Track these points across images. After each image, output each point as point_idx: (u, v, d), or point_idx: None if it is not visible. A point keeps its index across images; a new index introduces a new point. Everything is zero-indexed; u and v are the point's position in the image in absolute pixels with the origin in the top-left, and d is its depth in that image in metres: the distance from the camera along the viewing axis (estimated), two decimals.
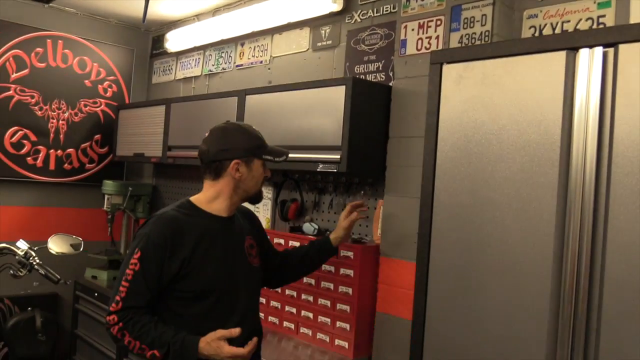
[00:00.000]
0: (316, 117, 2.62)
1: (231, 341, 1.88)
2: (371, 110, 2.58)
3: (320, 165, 2.58)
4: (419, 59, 2.54)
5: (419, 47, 2.54)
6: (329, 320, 2.66)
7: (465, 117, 1.87)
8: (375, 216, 2.74)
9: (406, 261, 2.50)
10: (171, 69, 4.37)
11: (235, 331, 1.89)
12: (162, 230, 1.90)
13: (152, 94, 4.57)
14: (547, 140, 1.68)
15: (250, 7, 3.55)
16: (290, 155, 2.68)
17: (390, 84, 2.65)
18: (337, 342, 2.62)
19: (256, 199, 2.10)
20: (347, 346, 2.58)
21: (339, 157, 2.50)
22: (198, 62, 4.07)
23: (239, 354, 1.86)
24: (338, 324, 2.62)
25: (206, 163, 2.03)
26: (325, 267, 2.68)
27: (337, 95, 2.53)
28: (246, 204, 2.16)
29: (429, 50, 2.49)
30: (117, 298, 1.86)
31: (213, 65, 3.93)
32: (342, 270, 2.62)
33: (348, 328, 2.58)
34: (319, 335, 2.70)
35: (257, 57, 3.59)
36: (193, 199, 2.07)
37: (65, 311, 4.28)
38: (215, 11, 3.92)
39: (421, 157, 2.48)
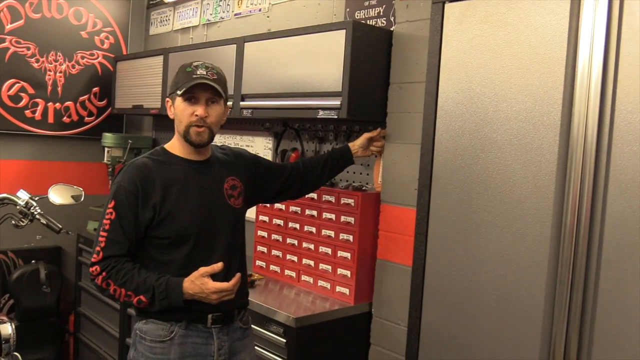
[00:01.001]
0: (316, 63, 2.58)
1: (214, 279, 1.90)
2: (372, 56, 2.53)
3: (321, 112, 2.55)
4: (420, 2, 2.47)
5: None
6: (329, 267, 2.68)
7: (468, 58, 1.83)
8: (376, 164, 2.73)
9: (407, 207, 2.50)
10: (168, 19, 4.28)
11: (218, 266, 1.91)
12: (132, 177, 1.92)
13: (150, 46, 4.50)
14: (550, 79, 1.65)
15: None
16: (290, 102, 2.68)
17: (392, 29, 2.59)
18: (338, 289, 2.64)
19: (191, 142, 1.96)
20: (348, 293, 2.60)
21: (339, 103, 2.46)
22: (196, 12, 3.99)
23: (224, 288, 1.88)
24: (339, 271, 2.64)
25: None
26: (326, 214, 2.69)
27: (337, 40, 2.48)
28: (242, 145, 2.15)
29: None
30: (97, 249, 1.87)
31: (211, 14, 3.85)
32: (342, 218, 2.62)
33: (349, 275, 2.60)
34: (320, 283, 2.72)
35: (255, 4, 3.52)
36: (167, 144, 2.07)
37: (68, 264, 4.32)
38: None
39: (422, 103, 2.47)
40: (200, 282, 1.87)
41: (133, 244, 1.91)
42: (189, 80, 1.92)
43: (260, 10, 3.49)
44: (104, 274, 1.85)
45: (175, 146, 2.04)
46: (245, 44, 2.96)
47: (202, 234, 1.97)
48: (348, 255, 2.60)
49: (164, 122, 4.32)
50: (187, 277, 1.89)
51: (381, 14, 2.79)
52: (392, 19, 2.74)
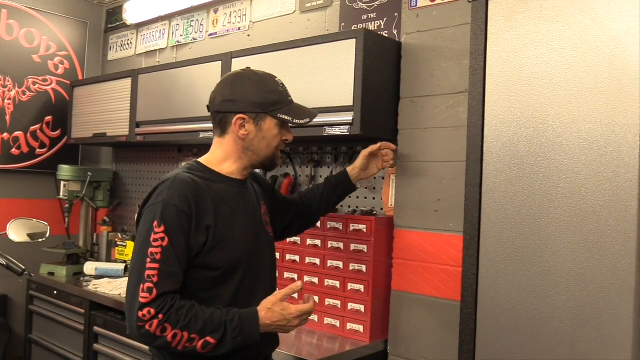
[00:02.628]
0: (322, 76, 2.35)
1: (258, 301, 1.65)
2: (382, 68, 2.34)
3: (328, 129, 2.32)
4: (433, 11, 2.31)
5: None
6: (339, 302, 2.40)
7: (520, 57, 1.65)
8: (385, 186, 2.50)
9: (427, 232, 2.28)
10: (130, 43, 3.97)
11: (297, 285, 1.65)
12: (184, 193, 1.58)
13: (109, 71, 4.15)
14: (625, 75, 1.48)
15: None
16: None
17: (401, 40, 2.41)
18: (349, 326, 2.36)
19: (269, 165, 1.79)
20: (362, 330, 2.33)
21: (350, 118, 2.24)
22: (163, 34, 3.70)
23: (306, 310, 1.62)
24: (350, 305, 2.36)
25: (211, 114, 1.74)
26: (332, 243, 2.42)
27: (347, 50, 2.27)
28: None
29: (445, 1, 2.28)
30: (148, 285, 1.48)
31: (181, 35, 3.58)
32: (353, 246, 2.36)
33: (362, 309, 2.33)
34: (327, 321, 2.43)
35: (233, 23, 3.28)
36: (202, 159, 1.77)
37: (16, 314, 3.82)
38: None
39: (439, 118, 2.28)
40: (280, 307, 1.59)
41: (183, 277, 1.57)
42: (288, 103, 1.73)
43: (239, 29, 3.25)
44: (160, 316, 1.47)
45: (216, 161, 1.73)
46: (234, 60, 2.71)
47: (251, 263, 1.68)
48: (361, 287, 2.33)
49: (126, 154, 3.96)
50: (259, 306, 1.61)
51: (382, 27, 2.61)
52: (394, 32, 2.57)
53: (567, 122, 1.57)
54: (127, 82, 3.32)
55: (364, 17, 2.69)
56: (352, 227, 2.37)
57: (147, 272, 1.50)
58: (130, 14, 3.86)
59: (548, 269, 1.58)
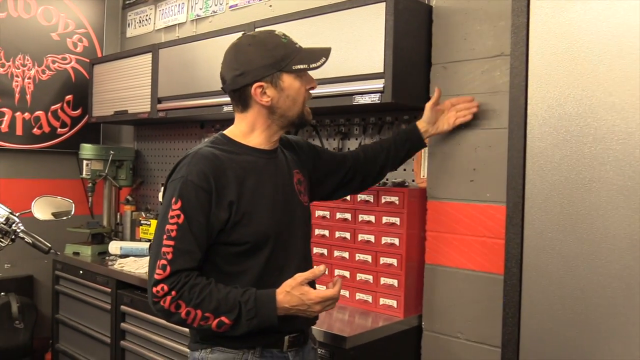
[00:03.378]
0: (350, 43, 2.25)
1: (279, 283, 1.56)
2: (413, 33, 2.23)
3: (357, 98, 2.23)
4: None
5: None
6: (370, 277, 2.33)
7: (567, 11, 1.55)
8: (417, 157, 2.41)
9: (461, 202, 2.19)
10: (149, 18, 3.90)
11: (320, 269, 1.55)
12: (202, 169, 1.52)
13: (128, 48, 4.08)
14: None
15: None
16: (320, 90, 2.34)
17: (432, 3, 2.30)
18: (382, 301, 2.29)
19: (300, 122, 1.69)
20: (395, 305, 2.26)
21: (381, 85, 2.14)
22: (182, 7, 3.62)
23: (329, 296, 1.53)
24: (382, 280, 2.29)
25: (228, 94, 1.67)
26: (362, 217, 2.35)
27: (375, 14, 2.17)
28: None
29: None
30: (162, 262, 1.46)
31: (201, 8, 3.50)
32: (385, 219, 2.28)
33: (396, 284, 2.26)
34: (359, 296, 2.36)
35: None
36: (227, 132, 1.69)
37: (43, 294, 3.82)
38: None
39: (473, 83, 2.18)
40: (299, 291, 1.51)
41: (204, 254, 1.53)
42: (297, 50, 1.60)
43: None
44: (173, 293, 1.46)
45: (241, 133, 1.66)
46: (257, 30, 2.61)
47: (281, 236, 1.61)
48: (394, 261, 2.26)
49: (147, 131, 3.91)
50: (279, 287, 1.53)
51: None
52: None
53: (620, 80, 1.47)
54: (147, 58, 3.25)
55: None
56: (383, 199, 2.29)
57: (163, 249, 1.47)
58: None
59: (599, 237, 1.49)
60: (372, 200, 2.32)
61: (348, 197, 2.34)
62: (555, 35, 1.56)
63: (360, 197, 2.35)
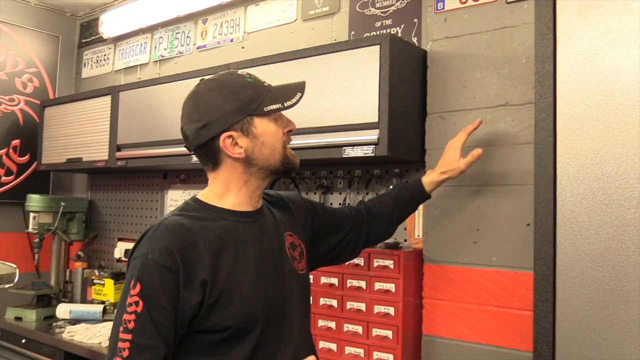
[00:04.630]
0: (338, 89, 2.04)
1: None
2: (407, 79, 2.04)
3: (347, 150, 2.00)
4: (463, 14, 2.03)
5: None
6: (361, 351, 2.06)
7: (601, 58, 1.37)
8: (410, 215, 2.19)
9: (463, 266, 1.97)
10: (107, 58, 3.62)
11: None
12: (166, 245, 1.25)
13: (83, 90, 3.78)
14: None
15: None
16: (305, 140, 2.11)
17: (427, 48, 2.12)
18: None
19: (286, 169, 1.42)
20: None
21: (376, 137, 1.93)
22: (145, 47, 3.36)
23: None
24: (375, 354, 2.03)
25: (194, 152, 1.40)
26: (351, 282, 2.09)
27: (368, 58, 1.97)
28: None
29: (479, 2, 1.99)
30: None
31: (165, 48, 3.25)
32: (377, 285, 2.03)
33: (391, 359, 1.99)
34: None
35: (225, 34, 2.96)
36: (200, 195, 1.42)
37: None
38: None
39: (474, 135, 1.97)
40: None
41: (171, 348, 1.24)
42: (266, 90, 1.36)
43: (232, 40, 2.93)
44: None
45: (216, 195, 1.40)
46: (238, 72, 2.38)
47: (272, 316, 1.33)
48: (389, 333, 2.00)
49: (103, 181, 3.58)
50: None
51: (399, 34, 2.32)
52: (414, 39, 2.29)
53: None
54: (105, 101, 2.97)
55: (378, 24, 2.40)
56: (376, 262, 2.04)
57: (119, 344, 1.20)
58: (107, 27, 3.51)
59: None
60: (362, 264, 2.07)
61: None
62: (587, 84, 1.38)
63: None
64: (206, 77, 1.41)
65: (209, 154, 1.37)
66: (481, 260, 1.94)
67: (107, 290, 3.14)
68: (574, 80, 1.40)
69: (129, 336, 1.19)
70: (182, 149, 2.55)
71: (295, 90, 1.38)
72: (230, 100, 1.32)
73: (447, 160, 1.84)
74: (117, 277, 3.16)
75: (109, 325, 2.72)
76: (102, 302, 3.12)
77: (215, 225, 1.34)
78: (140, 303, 1.21)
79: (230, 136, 1.32)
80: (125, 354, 1.18)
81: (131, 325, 1.19)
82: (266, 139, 1.36)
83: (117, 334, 1.21)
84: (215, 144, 1.33)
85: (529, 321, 1.76)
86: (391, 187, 2.07)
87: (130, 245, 3.26)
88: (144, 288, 1.22)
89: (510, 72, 1.92)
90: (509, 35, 1.93)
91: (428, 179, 1.84)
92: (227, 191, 1.39)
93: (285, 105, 1.35)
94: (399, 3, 2.34)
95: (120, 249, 3.27)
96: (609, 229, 1.34)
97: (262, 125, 1.35)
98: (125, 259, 3.24)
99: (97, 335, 2.64)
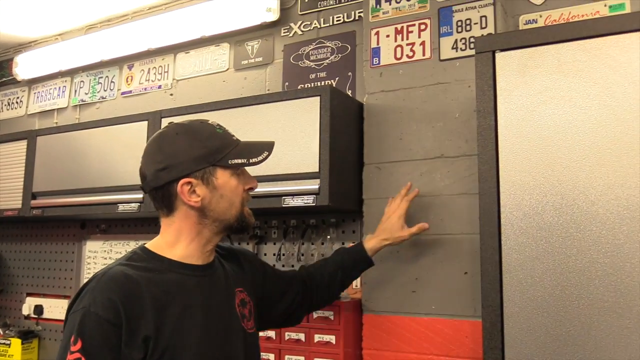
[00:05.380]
0: (277, 138, 2.02)
1: None
2: (346, 130, 2.08)
3: (287, 200, 1.99)
4: (398, 70, 2.11)
5: (399, 55, 2.12)
6: None
7: (538, 115, 1.46)
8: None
9: (402, 316, 1.98)
10: (20, 101, 3.42)
11: None
12: (109, 296, 1.18)
13: None
14: None
15: (141, 20, 2.88)
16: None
17: (363, 100, 2.17)
18: None
19: (240, 226, 1.38)
20: None
21: (317, 187, 1.93)
22: (63, 91, 3.22)
23: None
24: None
25: (149, 194, 1.36)
26: (290, 335, 2.04)
27: (308, 109, 1.99)
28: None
29: (413, 59, 2.09)
30: None
31: (87, 93, 3.12)
32: (317, 337, 2.00)
33: None
34: None
35: (153, 81, 2.90)
36: (149, 244, 1.36)
37: None
38: (89, 29, 3.15)
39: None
40: None
41: None
42: (234, 143, 1.35)
43: (160, 87, 2.87)
44: None
45: (166, 244, 1.34)
46: (164, 119, 2.32)
47: None
48: None
49: (11, 230, 3.31)
50: None
51: (334, 86, 2.37)
52: (348, 92, 2.34)
53: (602, 188, 1.37)
54: (20, 145, 2.78)
55: (312, 76, 2.44)
56: (315, 314, 2.01)
57: None
58: (22, 69, 3.34)
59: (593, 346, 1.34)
60: None
61: None
62: (527, 138, 1.47)
63: None
64: (176, 121, 1.38)
65: (165, 198, 1.32)
66: (420, 309, 1.97)
67: (14, 350, 2.88)
68: (514, 134, 1.48)
69: None
70: (106, 197, 2.46)
71: (263, 149, 1.39)
72: (195, 148, 1.30)
73: (389, 227, 1.84)
74: (26, 336, 2.91)
75: None
76: None
77: (162, 277, 1.28)
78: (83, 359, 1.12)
79: (189, 182, 1.29)
80: None
81: None
82: (225, 192, 1.33)
83: None
84: (173, 188, 1.30)
85: None
86: (330, 249, 2.07)
87: (40, 301, 3.03)
88: (85, 344, 1.14)
89: (445, 125, 2.00)
90: (442, 91, 2.02)
91: (369, 246, 1.82)
92: (177, 241, 1.34)
93: (251, 161, 1.35)
94: (333, 57, 2.40)
95: (29, 305, 3.02)
96: (552, 276, 1.40)
97: (223, 178, 1.33)
98: (35, 316, 3.01)
99: None
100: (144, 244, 1.37)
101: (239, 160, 1.34)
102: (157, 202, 1.35)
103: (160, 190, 1.32)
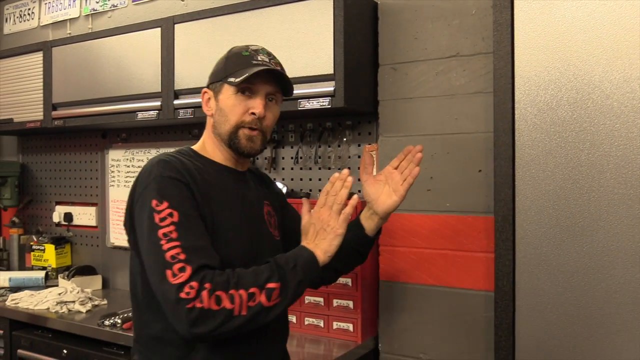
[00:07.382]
0: (291, 41, 2.03)
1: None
2: (360, 31, 2.05)
3: (303, 103, 2.01)
4: None
5: None
6: (321, 299, 2.11)
7: (556, 8, 1.44)
8: (363, 165, 2.23)
9: (416, 214, 2.05)
10: (32, 13, 3.39)
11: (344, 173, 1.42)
12: (173, 165, 1.32)
13: (6, 47, 3.54)
14: None
15: None
16: None
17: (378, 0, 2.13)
18: (335, 325, 2.09)
19: (231, 146, 1.42)
20: (351, 328, 2.06)
21: (332, 89, 1.94)
22: (74, 1, 3.18)
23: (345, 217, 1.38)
24: (335, 302, 2.09)
25: None
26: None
27: (321, 10, 1.96)
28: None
29: None
30: (178, 266, 1.19)
31: (98, 2, 3.08)
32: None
33: (351, 305, 2.06)
34: (309, 321, 2.14)
35: None
36: (196, 146, 1.50)
37: None
38: None
39: (426, 86, 2.04)
40: (320, 225, 1.36)
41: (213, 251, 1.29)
42: (247, 65, 1.38)
43: None
44: (207, 285, 1.18)
45: (208, 149, 1.47)
46: (176, 25, 2.31)
47: (248, 265, 1.32)
48: (348, 280, 2.06)
49: (36, 142, 3.39)
50: (304, 241, 1.38)
51: None
52: None
53: (618, 82, 1.37)
54: (36, 57, 2.80)
55: None
56: None
57: (170, 253, 1.20)
58: None
59: (600, 249, 1.39)
60: None
61: None
62: (543, 33, 1.44)
63: None
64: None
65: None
66: (435, 206, 2.02)
67: (48, 255, 3.03)
68: (530, 29, 1.46)
69: (176, 243, 1.21)
70: (125, 106, 2.49)
71: (255, 69, 1.37)
72: (220, 64, 1.44)
73: (383, 200, 1.69)
74: (58, 241, 3.06)
75: (55, 291, 2.64)
76: (44, 268, 3.02)
77: (206, 171, 1.40)
78: (175, 213, 1.24)
79: (206, 92, 1.45)
80: (183, 257, 1.20)
81: (174, 235, 1.22)
82: (224, 107, 1.41)
83: (161, 251, 1.20)
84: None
85: (481, 262, 1.87)
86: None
87: (69, 209, 3.15)
88: (171, 201, 1.25)
89: (461, 23, 1.97)
90: None
91: (371, 227, 1.69)
92: (205, 144, 1.48)
93: (231, 81, 1.38)
94: None
95: (59, 213, 3.14)
96: (564, 169, 1.43)
97: (226, 94, 1.41)
98: (65, 223, 3.14)
99: (43, 301, 2.55)
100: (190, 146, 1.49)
101: (231, 79, 1.40)
102: None
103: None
